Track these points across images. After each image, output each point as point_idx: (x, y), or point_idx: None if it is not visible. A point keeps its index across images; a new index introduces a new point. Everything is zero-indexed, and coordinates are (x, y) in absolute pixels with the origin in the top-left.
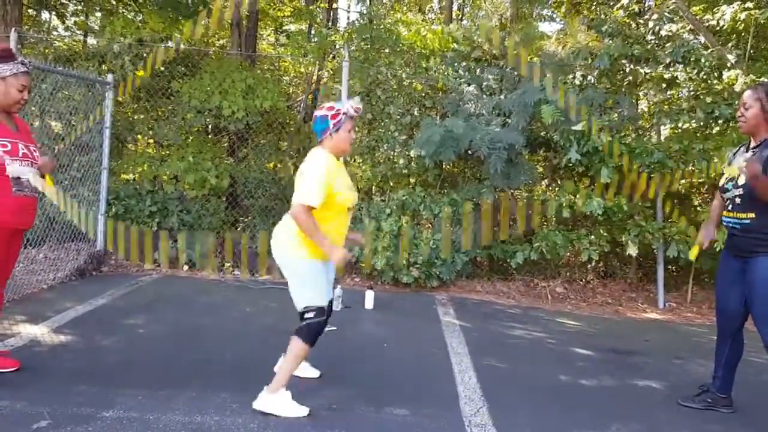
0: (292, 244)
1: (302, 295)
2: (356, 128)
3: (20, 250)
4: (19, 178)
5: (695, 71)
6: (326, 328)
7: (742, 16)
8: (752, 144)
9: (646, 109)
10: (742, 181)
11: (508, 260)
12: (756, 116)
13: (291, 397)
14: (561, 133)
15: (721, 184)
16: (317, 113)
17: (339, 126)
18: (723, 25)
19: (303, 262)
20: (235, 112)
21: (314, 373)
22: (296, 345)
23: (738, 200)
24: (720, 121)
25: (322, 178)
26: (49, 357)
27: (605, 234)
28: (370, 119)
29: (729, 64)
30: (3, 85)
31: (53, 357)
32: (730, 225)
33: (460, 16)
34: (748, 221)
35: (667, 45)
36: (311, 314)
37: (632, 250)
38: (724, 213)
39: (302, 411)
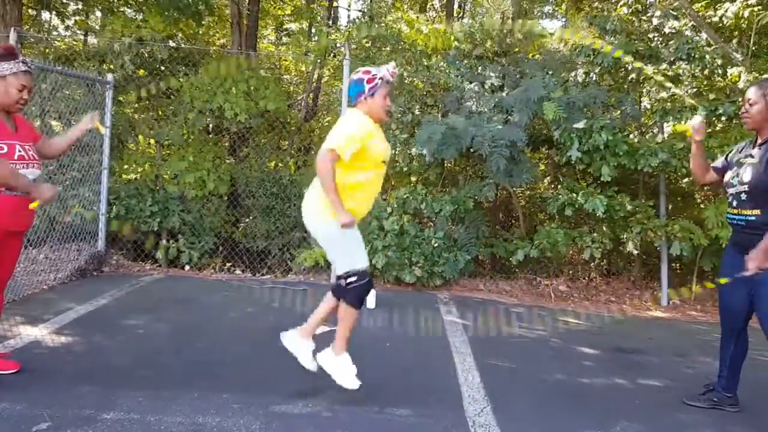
0: (323, 209)
1: (342, 260)
2: (391, 95)
3: (20, 251)
4: None
5: (699, 68)
6: (328, 328)
7: (746, 13)
8: (759, 140)
9: (648, 107)
10: (747, 177)
11: (510, 258)
12: (761, 112)
13: (350, 363)
14: (562, 131)
15: (726, 179)
16: (353, 76)
17: (374, 90)
18: (727, 23)
19: (336, 227)
20: (238, 114)
21: (311, 365)
22: (345, 311)
23: (744, 196)
24: (723, 119)
25: (356, 132)
26: (50, 358)
27: (608, 232)
28: None
29: (738, 61)
30: (3, 85)
31: (54, 358)
32: (735, 222)
33: (461, 14)
34: (753, 218)
35: (671, 42)
36: (353, 278)
37: (632, 247)
38: (729, 210)
39: (355, 382)
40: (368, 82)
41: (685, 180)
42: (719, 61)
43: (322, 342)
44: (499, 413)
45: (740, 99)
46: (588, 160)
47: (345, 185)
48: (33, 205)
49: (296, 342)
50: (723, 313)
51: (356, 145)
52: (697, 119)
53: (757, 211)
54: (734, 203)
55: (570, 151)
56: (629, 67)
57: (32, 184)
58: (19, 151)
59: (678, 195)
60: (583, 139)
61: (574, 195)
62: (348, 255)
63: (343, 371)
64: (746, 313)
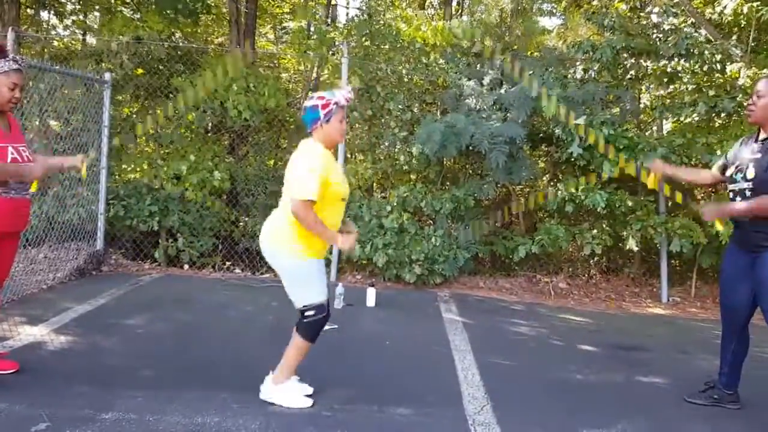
0: (286, 244)
1: (301, 294)
2: (348, 119)
3: (17, 251)
4: (6, 180)
5: (698, 64)
6: (327, 326)
7: (744, 9)
8: (761, 135)
9: (647, 104)
10: (751, 174)
11: (510, 255)
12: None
13: (296, 385)
14: (563, 128)
15: (728, 174)
16: (307, 103)
17: (330, 116)
18: (725, 20)
19: (299, 262)
20: (242, 112)
21: (307, 390)
22: (298, 342)
23: (748, 193)
24: (723, 115)
25: (317, 171)
26: (49, 358)
27: (607, 228)
28: (370, 116)
29: (735, 58)
30: None
31: (53, 358)
32: (738, 219)
33: (460, 11)
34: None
35: (670, 38)
36: (311, 312)
37: (632, 244)
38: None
39: (305, 402)
40: (323, 108)
41: None
42: (718, 57)
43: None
44: (499, 411)
45: (740, 95)
46: (589, 156)
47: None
48: (33, 188)
49: (274, 392)
50: (724, 310)
51: (319, 183)
52: (656, 164)
53: None
54: (737, 200)
55: (571, 148)
56: (627, 64)
57: (22, 168)
58: (12, 153)
59: (677, 191)
60: (583, 134)
61: (574, 191)
62: (307, 289)
63: (288, 396)
64: (748, 311)
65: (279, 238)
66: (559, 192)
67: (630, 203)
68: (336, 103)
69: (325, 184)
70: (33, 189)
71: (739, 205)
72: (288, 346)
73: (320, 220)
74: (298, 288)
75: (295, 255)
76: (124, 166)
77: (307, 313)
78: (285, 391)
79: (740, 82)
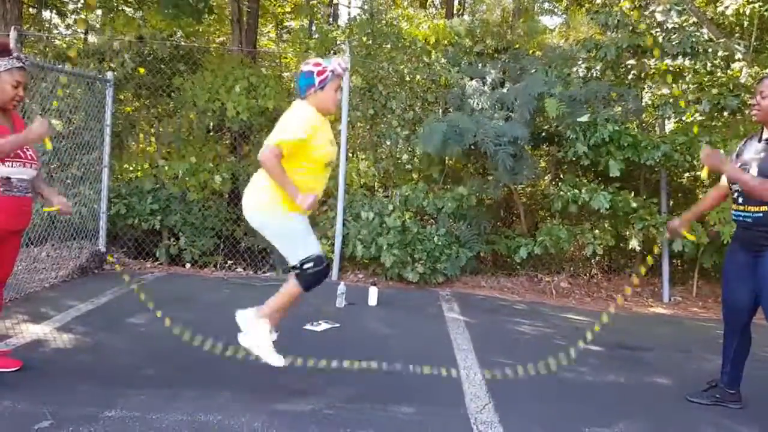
0: (267, 203)
1: (295, 250)
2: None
3: (19, 250)
4: (8, 178)
5: (702, 63)
6: (329, 325)
7: (747, 9)
8: (765, 134)
9: (650, 103)
10: (754, 172)
11: (512, 255)
12: None
13: (270, 337)
14: (568, 126)
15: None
16: (303, 68)
17: (324, 83)
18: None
19: (283, 219)
20: (240, 113)
21: (279, 361)
22: (292, 287)
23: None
24: (725, 113)
25: (299, 124)
26: (51, 356)
27: (610, 228)
28: (372, 115)
29: (737, 56)
30: None
31: (55, 356)
32: (741, 218)
33: (461, 10)
34: (760, 214)
35: (674, 37)
36: (310, 264)
37: (635, 243)
38: (734, 206)
39: (278, 360)
40: (318, 74)
41: (686, 175)
42: (721, 54)
43: (324, 339)
44: (501, 410)
45: (743, 93)
46: (593, 155)
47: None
48: (47, 145)
49: (253, 329)
50: (727, 309)
51: (298, 135)
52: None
53: (764, 208)
54: (740, 200)
55: (575, 146)
56: (629, 65)
57: (24, 135)
58: None
59: (679, 191)
60: (588, 133)
61: (577, 191)
62: (300, 245)
63: (264, 346)
64: (750, 309)
65: (259, 199)
66: (562, 193)
67: (634, 204)
68: (332, 71)
69: (308, 146)
70: (48, 147)
71: (734, 170)
72: (281, 288)
73: (282, 169)
74: (289, 244)
75: (277, 211)
76: (125, 165)
77: (306, 266)
78: (261, 334)
79: (742, 80)
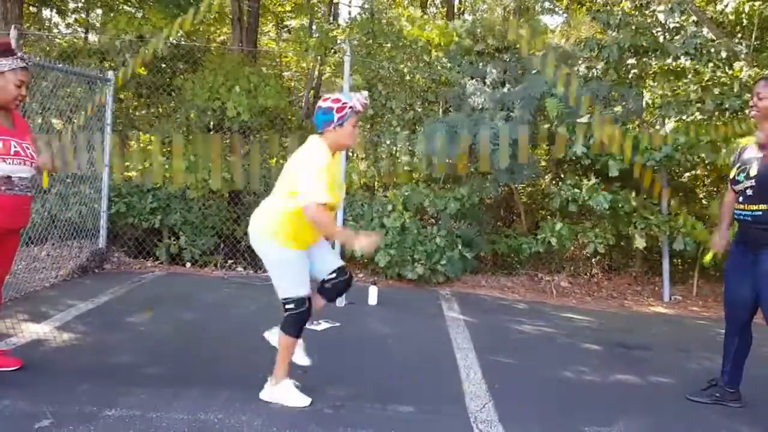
0: (271, 232)
1: (283, 285)
2: (359, 123)
3: (19, 249)
4: (9, 176)
5: (704, 63)
6: (329, 325)
7: (746, 8)
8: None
9: (651, 102)
10: (753, 172)
11: (512, 255)
12: None
13: (293, 386)
14: (567, 127)
15: (731, 176)
16: (322, 104)
17: (344, 120)
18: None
19: (283, 252)
20: (241, 113)
21: (304, 361)
22: (283, 339)
23: (749, 192)
24: (727, 113)
25: (323, 172)
26: (52, 355)
27: (610, 227)
28: (371, 114)
29: (741, 56)
30: (1, 81)
31: (55, 355)
32: (742, 217)
33: (462, 9)
34: (760, 213)
35: (677, 37)
36: (291, 306)
37: (639, 243)
38: (736, 205)
39: (304, 401)
40: (338, 111)
41: (687, 174)
42: (723, 54)
43: (324, 338)
44: (500, 409)
45: (745, 93)
46: (593, 155)
47: (290, 212)
48: (45, 183)
49: (273, 393)
50: (728, 308)
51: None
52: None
53: (763, 206)
54: (740, 198)
55: (574, 147)
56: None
57: None
58: (15, 147)
59: (680, 190)
60: (587, 133)
61: (577, 191)
62: (288, 280)
63: (289, 397)
64: (751, 308)
65: (265, 226)
66: (562, 192)
67: (634, 203)
68: (351, 108)
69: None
70: (45, 185)
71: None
72: (278, 348)
73: (333, 221)
74: (280, 277)
75: (278, 243)
76: (127, 163)
77: (287, 306)
78: (285, 391)
79: (743, 79)
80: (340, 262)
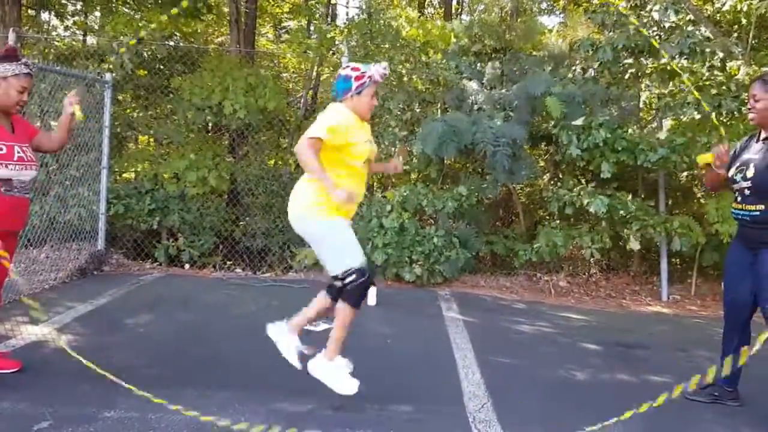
0: (309, 206)
1: (336, 259)
2: (377, 94)
3: (16, 251)
4: (10, 179)
5: (700, 63)
6: (328, 325)
7: (744, 7)
8: (763, 135)
9: (647, 102)
10: (750, 173)
11: (510, 256)
12: (767, 108)
13: (345, 368)
14: (561, 128)
15: (730, 174)
16: (341, 72)
17: (362, 89)
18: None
19: (325, 220)
20: (237, 111)
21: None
22: (343, 311)
23: (748, 192)
24: (724, 113)
25: (338, 123)
26: (51, 357)
27: (607, 228)
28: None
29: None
30: (4, 85)
31: (54, 357)
32: (740, 217)
33: (460, 10)
34: (757, 213)
35: (672, 37)
36: (352, 278)
37: (634, 245)
38: (734, 205)
39: (352, 386)
40: (356, 79)
41: (684, 174)
42: (720, 55)
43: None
44: (499, 409)
45: (743, 93)
46: (588, 157)
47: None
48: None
49: (281, 334)
50: (728, 307)
51: (337, 135)
52: (721, 148)
53: (761, 206)
54: (739, 198)
55: (569, 149)
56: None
57: None
58: (18, 152)
59: (677, 190)
60: (581, 136)
61: (574, 195)
62: (341, 253)
63: (337, 377)
64: (750, 307)
65: (302, 202)
66: (559, 196)
67: (632, 207)
68: (370, 77)
69: (346, 142)
70: (78, 117)
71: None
72: (335, 322)
73: (320, 162)
74: (331, 251)
75: (320, 215)
76: (125, 164)
77: (347, 279)
78: (336, 370)
79: (740, 77)
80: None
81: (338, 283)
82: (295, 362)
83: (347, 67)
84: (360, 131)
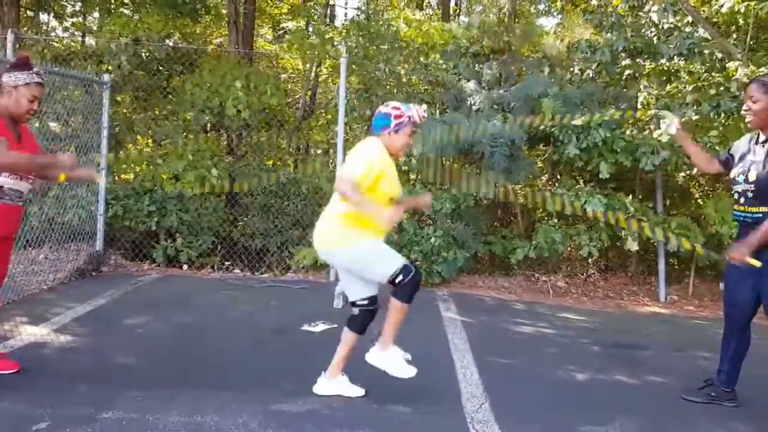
0: (340, 238)
1: (381, 269)
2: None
3: (12, 252)
4: (2, 186)
5: (699, 64)
6: (327, 326)
7: (741, 8)
8: (762, 137)
9: (644, 103)
10: (752, 177)
11: (508, 256)
12: (765, 109)
13: (402, 355)
14: (560, 128)
15: (732, 176)
16: (382, 109)
17: (399, 128)
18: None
19: (360, 246)
20: (241, 111)
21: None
22: (396, 307)
23: (750, 194)
24: (722, 114)
25: (371, 159)
26: (49, 358)
27: (605, 228)
28: (369, 116)
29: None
30: (15, 94)
31: (53, 358)
32: (742, 218)
33: (458, 11)
34: (760, 215)
35: (671, 38)
36: (401, 277)
37: (632, 246)
38: (735, 207)
39: (410, 371)
40: (396, 117)
41: (682, 175)
42: (718, 55)
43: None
44: (497, 409)
45: (741, 94)
46: (586, 157)
47: (349, 210)
48: (62, 178)
49: (380, 357)
50: (728, 308)
51: (369, 171)
52: (671, 125)
53: (764, 209)
54: (741, 200)
55: (567, 148)
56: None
57: (51, 159)
58: None
59: (675, 191)
60: (580, 136)
61: (573, 195)
62: (383, 262)
63: (396, 363)
64: (751, 308)
65: (331, 235)
66: (559, 192)
67: (631, 208)
68: (409, 117)
69: (377, 180)
70: (61, 179)
71: (752, 238)
72: (387, 313)
73: (363, 197)
74: (372, 267)
75: (352, 242)
76: (123, 165)
77: (398, 280)
78: (392, 357)
79: (737, 77)
80: (376, 290)
81: (391, 285)
82: (411, 371)
83: (388, 105)
84: (391, 170)
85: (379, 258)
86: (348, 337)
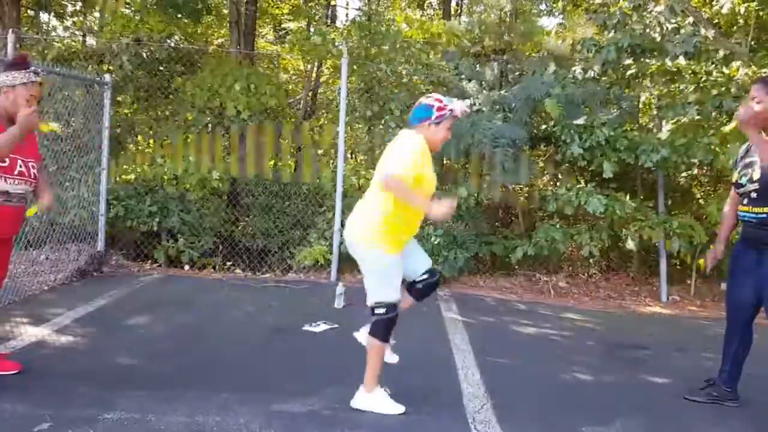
0: (370, 237)
1: (375, 290)
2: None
3: (11, 254)
4: (8, 191)
5: (704, 63)
6: (327, 326)
7: (742, 9)
8: (765, 138)
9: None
10: (756, 176)
11: (509, 256)
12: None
13: (385, 394)
14: (563, 128)
15: (734, 180)
16: (424, 100)
17: (440, 120)
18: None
19: (380, 257)
20: (241, 112)
21: (393, 358)
22: (371, 344)
23: (754, 194)
24: (725, 115)
25: (416, 155)
26: (51, 359)
27: (606, 228)
28: (369, 116)
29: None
30: (12, 94)
31: (55, 359)
32: (746, 219)
33: (459, 11)
34: (764, 215)
35: (676, 37)
36: (381, 310)
37: (632, 245)
38: (740, 207)
39: (398, 408)
40: (438, 110)
41: (683, 174)
42: (722, 53)
43: (323, 340)
44: (498, 410)
45: (743, 94)
46: (589, 156)
47: (389, 211)
48: (31, 212)
49: (366, 401)
50: (730, 308)
51: (414, 168)
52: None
53: (767, 209)
54: (745, 201)
55: (571, 148)
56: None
57: (17, 128)
58: (20, 167)
59: (676, 191)
60: (583, 135)
61: (573, 194)
62: (385, 287)
63: (383, 405)
64: (753, 308)
65: (365, 231)
66: (560, 191)
67: (631, 206)
68: (451, 110)
69: (418, 176)
70: (30, 214)
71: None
72: (367, 357)
73: (411, 192)
74: (375, 282)
75: (378, 249)
76: (125, 166)
77: (377, 311)
78: (379, 399)
79: (738, 77)
80: (430, 262)
81: (370, 312)
82: (393, 359)
83: (431, 96)
84: (428, 166)
85: (384, 279)
86: (374, 345)
